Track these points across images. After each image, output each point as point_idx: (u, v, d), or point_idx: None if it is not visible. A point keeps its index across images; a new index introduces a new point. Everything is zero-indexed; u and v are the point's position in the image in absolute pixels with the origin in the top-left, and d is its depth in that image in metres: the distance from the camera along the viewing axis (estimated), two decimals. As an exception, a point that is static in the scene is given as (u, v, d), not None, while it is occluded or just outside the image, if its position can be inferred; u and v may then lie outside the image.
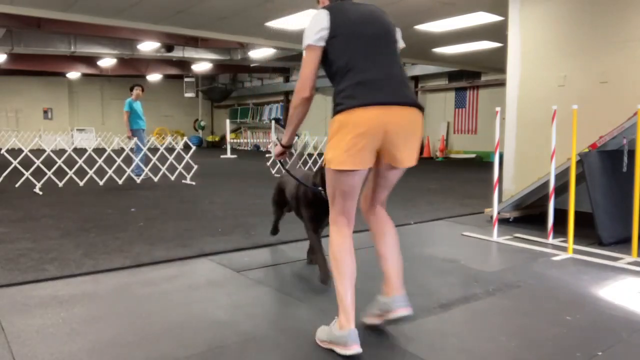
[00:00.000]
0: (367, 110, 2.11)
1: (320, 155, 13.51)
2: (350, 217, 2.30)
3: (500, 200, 5.02)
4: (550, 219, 4.35)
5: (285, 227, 4.83)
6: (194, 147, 9.81)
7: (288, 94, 22.96)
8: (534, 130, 5.30)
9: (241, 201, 6.61)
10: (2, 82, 21.63)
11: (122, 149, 10.03)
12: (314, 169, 4.14)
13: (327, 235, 2.36)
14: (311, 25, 2.23)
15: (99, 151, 10.62)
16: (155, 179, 8.78)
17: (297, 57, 16.62)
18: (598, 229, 4.18)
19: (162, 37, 13.11)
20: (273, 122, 19.23)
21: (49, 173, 7.84)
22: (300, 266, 3.62)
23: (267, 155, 16.14)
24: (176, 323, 2.53)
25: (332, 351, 2.19)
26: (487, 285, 3.18)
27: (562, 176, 4.43)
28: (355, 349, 2.11)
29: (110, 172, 8.42)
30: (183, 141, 11.15)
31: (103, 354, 2.19)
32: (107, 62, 18.56)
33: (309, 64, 2.22)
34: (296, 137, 20.13)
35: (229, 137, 18.00)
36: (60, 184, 7.87)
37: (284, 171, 3.29)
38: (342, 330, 2.14)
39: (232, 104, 26.41)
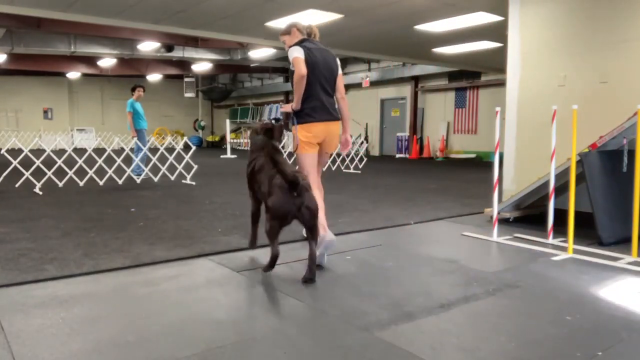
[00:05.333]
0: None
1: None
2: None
3: (500, 200, 5.02)
4: (550, 219, 4.35)
5: (285, 227, 4.82)
6: (194, 147, 9.81)
7: (288, 93, 22.96)
8: (534, 130, 5.30)
9: (241, 201, 6.61)
10: (2, 82, 21.64)
11: (122, 149, 10.03)
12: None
13: None
14: (293, 51, 3.65)
15: (99, 151, 10.62)
16: (155, 179, 8.78)
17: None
18: (598, 229, 4.18)
19: (162, 37, 13.11)
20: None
21: (49, 173, 7.84)
22: (300, 266, 3.62)
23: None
24: (176, 323, 2.54)
25: (332, 350, 2.19)
26: (487, 285, 3.18)
27: (562, 176, 4.43)
28: None
29: (110, 172, 8.42)
30: (183, 141, 11.15)
31: (103, 354, 2.19)
32: (107, 62, 18.56)
33: (301, 61, 3.64)
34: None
35: (229, 137, 18.01)
36: (60, 184, 7.87)
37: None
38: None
39: (232, 104, 26.42)
